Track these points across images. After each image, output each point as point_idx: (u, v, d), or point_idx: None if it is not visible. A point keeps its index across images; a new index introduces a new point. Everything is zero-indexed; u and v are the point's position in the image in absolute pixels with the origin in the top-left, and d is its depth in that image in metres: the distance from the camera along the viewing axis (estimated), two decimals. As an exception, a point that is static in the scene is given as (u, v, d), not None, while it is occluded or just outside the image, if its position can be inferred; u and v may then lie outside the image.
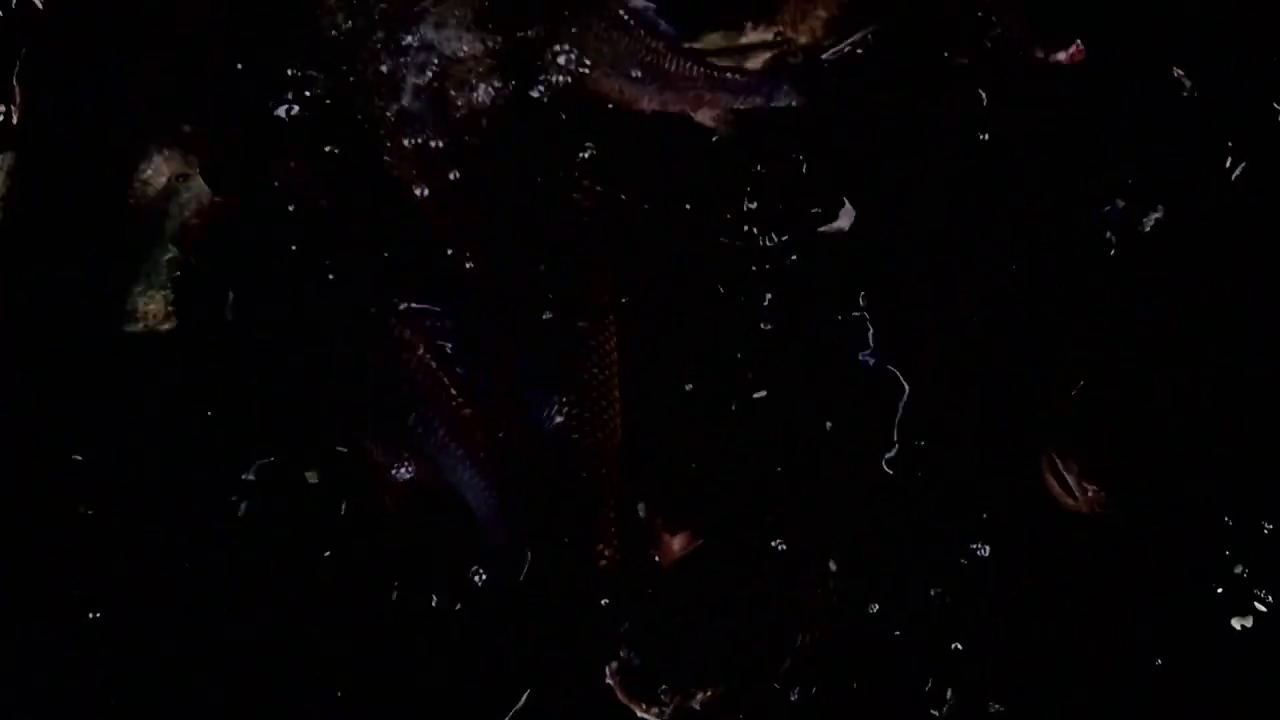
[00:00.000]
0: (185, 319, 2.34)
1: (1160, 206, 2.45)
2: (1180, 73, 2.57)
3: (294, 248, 2.42)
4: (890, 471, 2.27)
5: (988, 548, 2.19)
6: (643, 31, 2.59)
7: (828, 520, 2.24)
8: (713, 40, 2.67)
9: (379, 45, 2.62)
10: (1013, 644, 2.17)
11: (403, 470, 2.20)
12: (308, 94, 2.60)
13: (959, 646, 2.15)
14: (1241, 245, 2.44)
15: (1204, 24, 2.62)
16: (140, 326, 2.31)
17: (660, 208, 2.48)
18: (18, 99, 2.57)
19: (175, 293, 2.35)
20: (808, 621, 2.14)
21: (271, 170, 2.52)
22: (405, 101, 2.56)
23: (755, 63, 2.62)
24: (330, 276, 2.39)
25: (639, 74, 2.55)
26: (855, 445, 2.29)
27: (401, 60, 2.59)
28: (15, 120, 2.55)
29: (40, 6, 2.72)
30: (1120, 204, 2.46)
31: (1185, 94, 2.56)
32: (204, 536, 2.17)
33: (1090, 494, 2.17)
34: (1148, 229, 2.44)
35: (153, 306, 2.33)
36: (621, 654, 2.08)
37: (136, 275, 2.36)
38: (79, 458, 2.21)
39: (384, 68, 2.58)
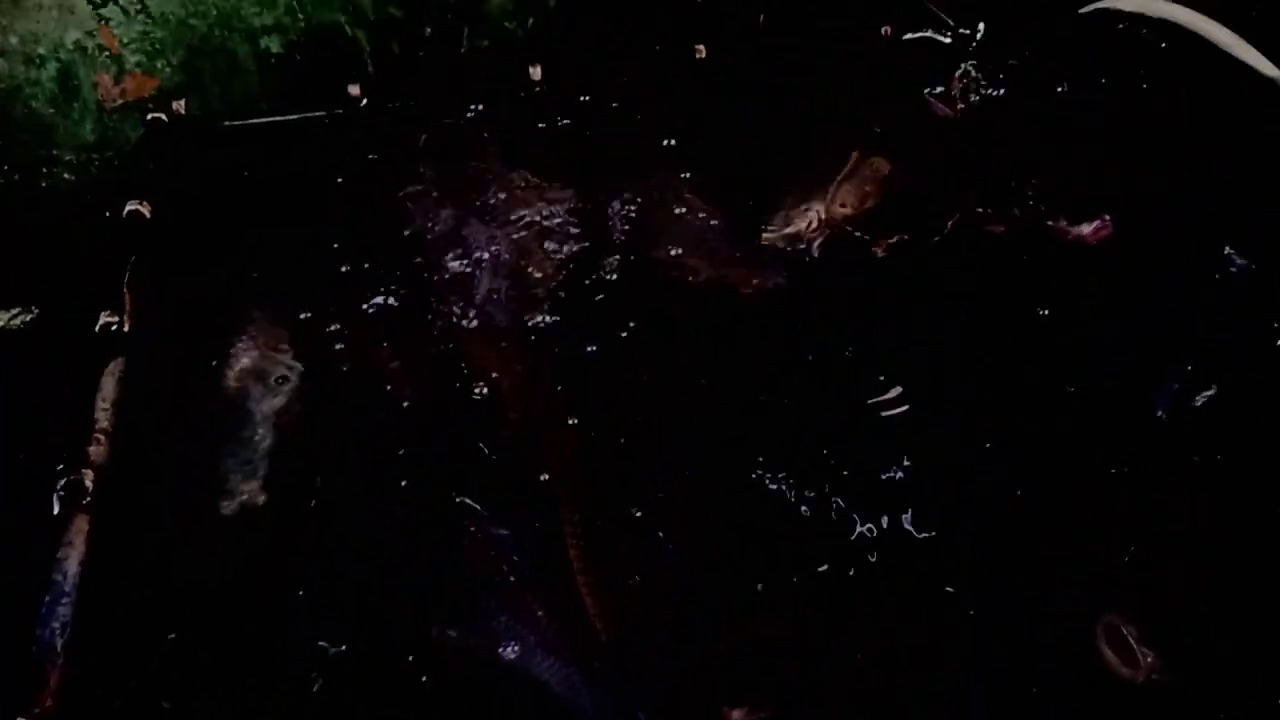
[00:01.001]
0: (278, 499, 2.45)
1: (1213, 386, 2.54)
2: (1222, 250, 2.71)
3: (378, 435, 2.57)
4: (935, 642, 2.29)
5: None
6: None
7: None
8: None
9: (454, 244, 2.90)
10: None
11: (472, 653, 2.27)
12: (395, 290, 2.83)
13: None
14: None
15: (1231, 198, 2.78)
16: (236, 505, 2.43)
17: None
18: (127, 306, 2.76)
19: (270, 473, 2.49)
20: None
21: (365, 360, 2.71)
22: (479, 295, 2.79)
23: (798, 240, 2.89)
24: (409, 466, 2.52)
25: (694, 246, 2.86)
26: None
27: (474, 257, 2.86)
28: (126, 327, 2.72)
29: (147, 216, 2.97)
30: (1173, 386, 2.55)
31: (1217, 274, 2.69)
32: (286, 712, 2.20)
33: (1149, 660, 2.17)
34: (1198, 405, 2.52)
35: (249, 485, 2.46)
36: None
37: (235, 457, 2.51)
38: (171, 635, 2.27)
39: (459, 264, 2.87)
